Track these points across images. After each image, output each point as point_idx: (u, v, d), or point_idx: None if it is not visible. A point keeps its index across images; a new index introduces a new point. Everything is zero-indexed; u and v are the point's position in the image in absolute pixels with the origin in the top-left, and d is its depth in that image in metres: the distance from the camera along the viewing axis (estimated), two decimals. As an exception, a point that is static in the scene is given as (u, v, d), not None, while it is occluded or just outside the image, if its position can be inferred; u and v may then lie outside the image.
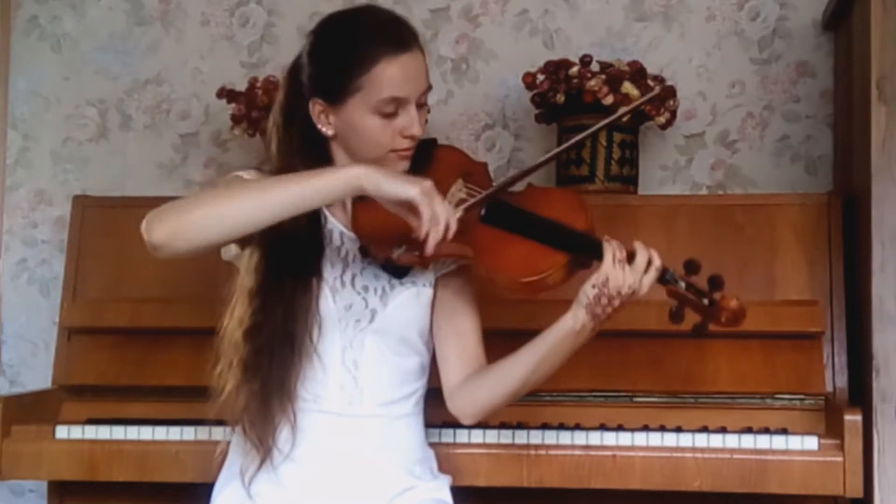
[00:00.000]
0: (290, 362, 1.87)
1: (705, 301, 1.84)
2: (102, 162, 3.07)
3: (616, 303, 1.80)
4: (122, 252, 2.60)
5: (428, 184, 1.73)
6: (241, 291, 1.89)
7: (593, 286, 1.79)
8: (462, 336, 1.98)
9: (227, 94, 2.80)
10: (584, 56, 2.67)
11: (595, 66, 2.65)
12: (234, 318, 1.88)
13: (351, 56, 1.86)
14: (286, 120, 1.96)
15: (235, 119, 2.77)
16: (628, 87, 2.59)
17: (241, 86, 2.81)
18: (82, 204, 2.75)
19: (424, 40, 2.93)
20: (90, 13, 3.10)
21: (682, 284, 1.84)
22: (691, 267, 1.84)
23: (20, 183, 3.09)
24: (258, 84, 2.76)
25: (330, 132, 1.92)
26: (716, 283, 1.84)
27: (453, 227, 1.73)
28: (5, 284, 3.08)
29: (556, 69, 2.65)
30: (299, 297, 1.88)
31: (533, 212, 1.89)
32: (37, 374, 2.95)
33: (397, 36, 1.89)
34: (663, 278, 1.84)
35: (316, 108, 1.91)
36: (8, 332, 3.08)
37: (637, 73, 2.63)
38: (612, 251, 1.80)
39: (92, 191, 2.94)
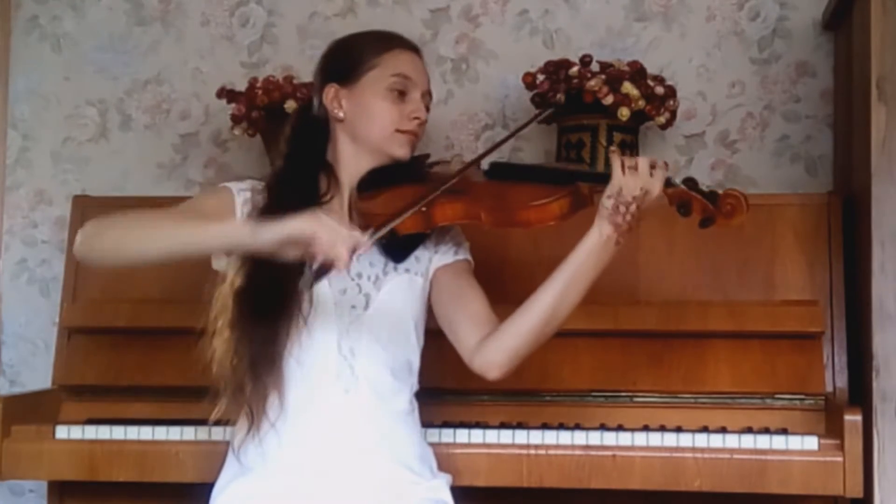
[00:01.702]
0: (278, 326, 1.91)
1: (708, 200, 1.91)
2: (102, 162, 3.07)
3: (633, 208, 1.86)
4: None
5: (311, 212, 1.73)
6: (234, 261, 1.93)
7: (609, 197, 1.86)
8: (471, 309, 2.00)
9: (227, 94, 2.80)
10: (584, 56, 2.67)
11: (595, 66, 2.65)
12: (227, 282, 1.93)
13: (369, 43, 2.07)
14: (298, 121, 2.11)
15: (235, 119, 2.77)
16: (628, 87, 2.59)
17: (241, 86, 2.81)
18: (82, 204, 2.75)
19: (424, 40, 2.97)
20: (90, 13, 3.10)
21: (682, 186, 1.91)
22: (690, 180, 1.93)
23: (20, 183, 3.09)
24: (258, 84, 2.76)
25: (340, 114, 2.04)
26: (713, 192, 1.92)
27: (364, 244, 1.73)
28: (5, 284, 3.08)
29: (556, 69, 2.65)
30: (289, 268, 1.88)
31: (528, 164, 2.08)
32: (37, 374, 2.95)
33: (409, 42, 2.11)
34: (669, 183, 1.91)
35: (330, 92, 2.05)
36: (8, 332, 3.08)
37: (637, 73, 2.63)
38: (618, 160, 1.87)
39: (92, 191, 2.94)
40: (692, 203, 1.90)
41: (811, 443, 2.20)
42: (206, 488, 2.01)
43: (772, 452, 2.21)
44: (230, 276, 1.94)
